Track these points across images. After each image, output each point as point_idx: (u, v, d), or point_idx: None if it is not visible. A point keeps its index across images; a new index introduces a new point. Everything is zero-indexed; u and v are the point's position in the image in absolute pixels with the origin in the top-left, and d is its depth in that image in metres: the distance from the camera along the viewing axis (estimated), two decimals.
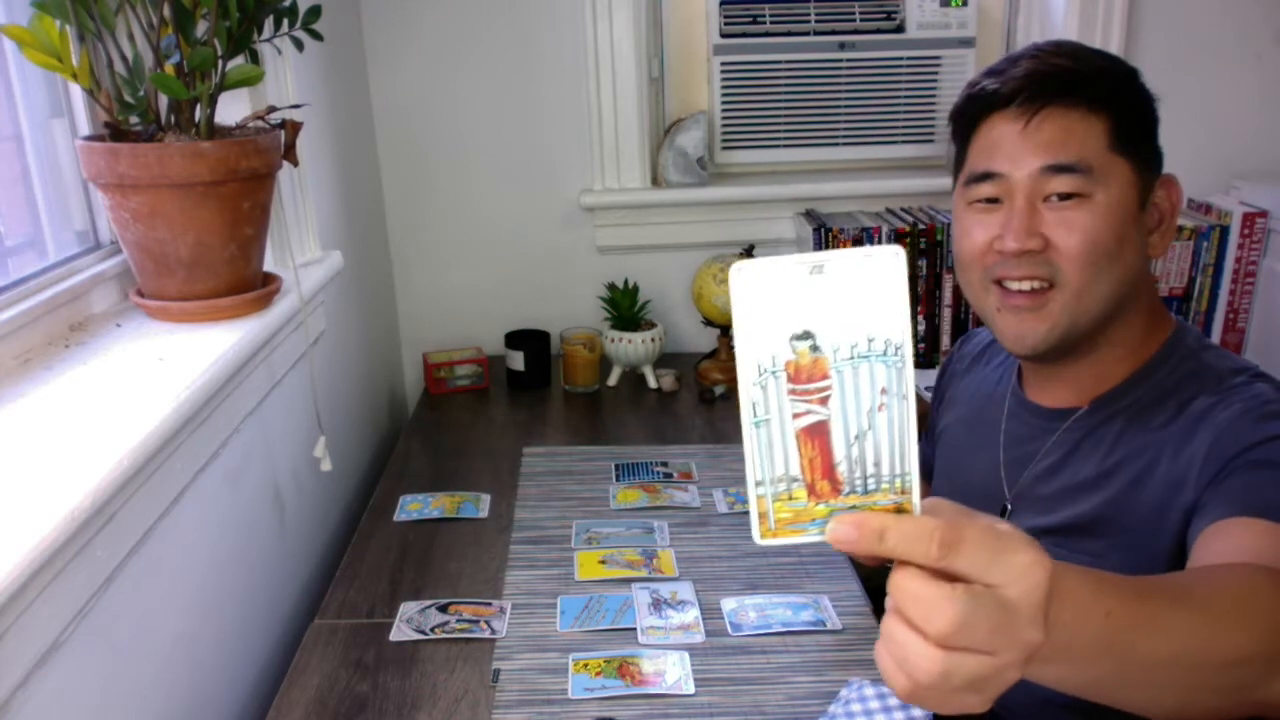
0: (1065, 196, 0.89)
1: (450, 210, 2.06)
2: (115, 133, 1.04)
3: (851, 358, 0.49)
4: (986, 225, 0.93)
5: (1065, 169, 0.89)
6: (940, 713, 0.50)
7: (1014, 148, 0.91)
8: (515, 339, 1.96)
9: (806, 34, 2.04)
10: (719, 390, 1.89)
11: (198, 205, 1.04)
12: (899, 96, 2.09)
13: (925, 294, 1.94)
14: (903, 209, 2.03)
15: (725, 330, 1.96)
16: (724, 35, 2.03)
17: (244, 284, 1.13)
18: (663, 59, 2.08)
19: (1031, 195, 0.90)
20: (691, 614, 1.21)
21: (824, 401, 0.49)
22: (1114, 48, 1.92)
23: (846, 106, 2.09)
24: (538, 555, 1.36)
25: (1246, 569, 0.67)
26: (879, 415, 0.49)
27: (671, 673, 1.11)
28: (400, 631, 1.19)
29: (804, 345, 0.49)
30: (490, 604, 1.25)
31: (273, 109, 1.17)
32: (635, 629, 1.18)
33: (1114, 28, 1.93)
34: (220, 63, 1.05)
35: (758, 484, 0.50)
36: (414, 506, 1.50)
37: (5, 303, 1.00)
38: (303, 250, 1.42)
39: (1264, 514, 0.76)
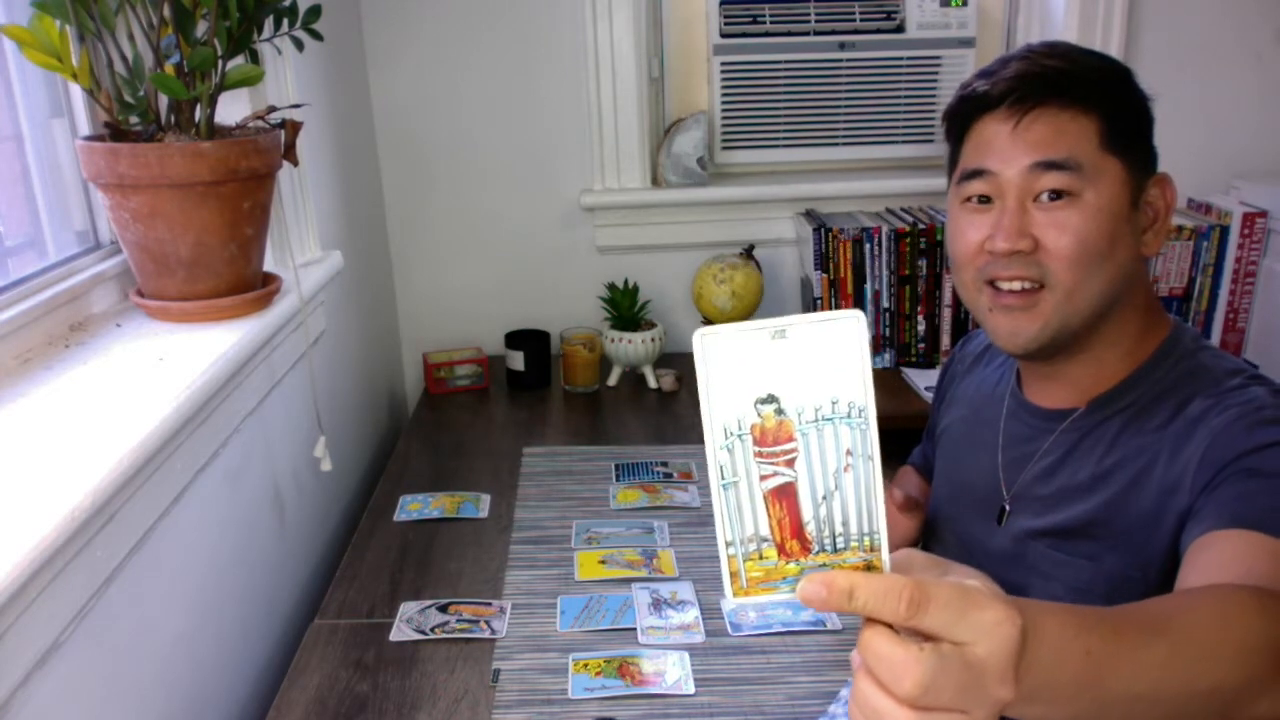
0: (1055, 195, 0.89)
1: (450, 210, 2.06)
2: (115, 133, 1.04)
3: (816, 420, 0.50)
4: (978, 225, 0.94)
5: (1055, 166, 0.89)
6: None
7: (1005, 147, 0.91)
8: (515, 339, 1.96)
9: (806, 34, 2.04)
10: None
11: (198, 205, 1.04)
12: (899, 96, 2.09)
13: (925, 294, 1.94)
14: (903, 209, 2.03)
15: None
16: (724, 35, 2.03)
17: (244, 284, 1.13)
18: (663, 59, 2.08)
19: (1022, 194, 0.91)
20: (691, 614, 1.21)
21: (790, 463, 0.50)
22: (1114, 47, 1.93)
23: (846, 106, 2.09)
24: (538, 555, 1.36)
25: (1228, 591, 0.67)
26: (845, 476, 0.50)
27: (671, 673, 1.11)
28: (400, 631, 1.19)
29: (769, 409, 0.50)
30: (490, 604, 1.25)
31: (273, 109, 1.17)
32: (635, 629, 1.18)
33: (1114, 28, 1.93)
34: (220, 63, 1.05)
35: (728, 544, 0.51)
36: (414, 506, 1.50)
37: (5, 303, 1.00)
38: (303, 250, 1.42)
39: (1254, 526, 0.76)
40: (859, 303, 1.94)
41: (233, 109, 1.19)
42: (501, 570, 1.32)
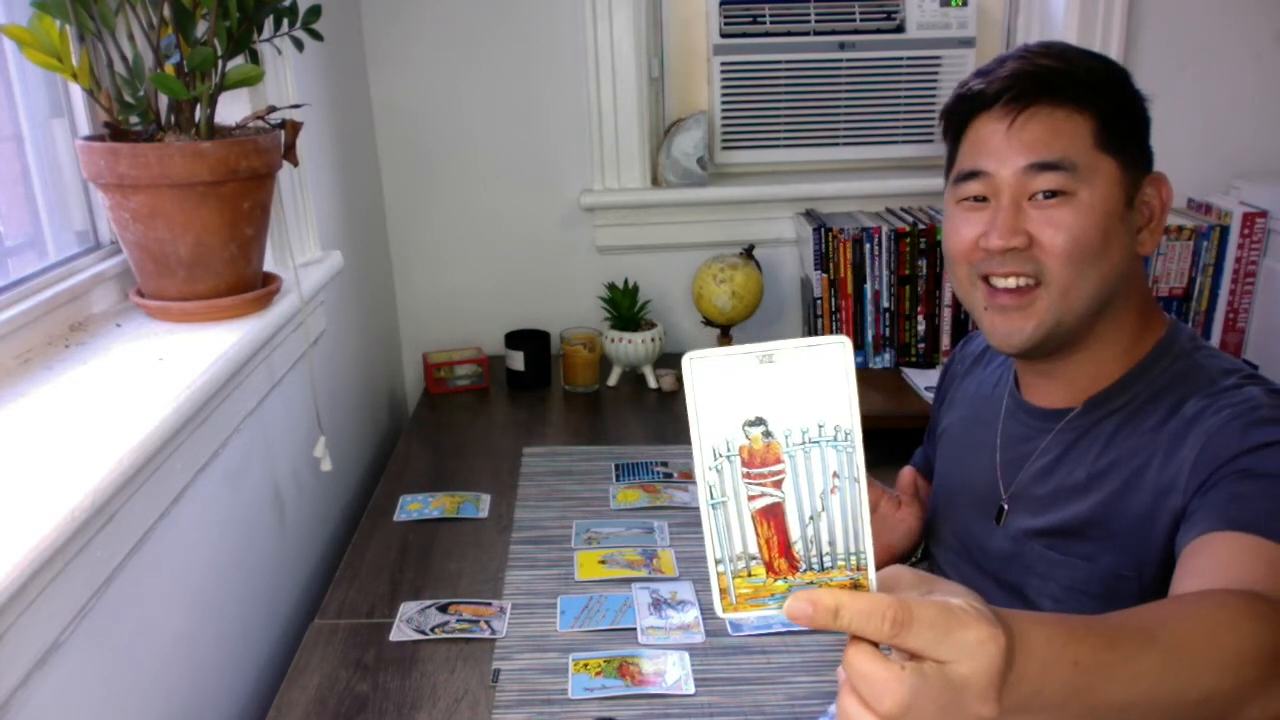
0: (1050, 195, 0.90)
1: (450, 210, 2.06)
2: (115, 133, 1.04)
3: (803, 443, 0.51)
4: (973, 223, 0.94)
5: (1049, 167, 0.89)
6: None
7: (1000, 147, 0.92)
8: (515, 339, 1.96)
9: (806, 34, 2.04)
10: None
11: (198, 205, 1.04)
12: (899, 96, 2.09)
13: (925, 294, 1.94)
14: (903, 209, 2.03)
15: (725, 330, 1.96)
16: (724, 35, 2.03)
17: (244, 284, 1.13)
18: (663, 59, 2.08)
19: (1016, 193, 0.91)
20: (691, 614, 1.21)
21: (778, 484, 0.51)
22: (1113, 48, 1.93)
23: (846, 106, 2.09)
24: (538, 555, 1.36)
25: (1220, 597, 0.67)
26: (832, 498, 0.51)
27: (671, 673, 1.11)
28: (400, 631, 1.19)
29: (756, 431, 0.51)
30: (490, 604, 1.25)
31: (273, 109, 1.17)
32: (635, 629, 1.18)
33: (1114, 28, 1.93)
34: (220, 63, 1.05)
35: (718, 561, 0.52)
36: (414, 506, 1.50)
37: (5, 303, 1.00)
38: (303, 250, 1.42)
39: (1248, 528, 0.76)
40: (859, 302, 1.94)
41: (233, 109, 1.19)
42: (501, 570, 1.32)
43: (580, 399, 1.91)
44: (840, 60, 2.06)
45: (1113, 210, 0.90)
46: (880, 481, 1.14)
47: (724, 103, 2.07)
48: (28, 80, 1.10)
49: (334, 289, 1.59)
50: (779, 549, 0.52)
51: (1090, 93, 0.91)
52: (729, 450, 0.51)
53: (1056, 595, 0.95)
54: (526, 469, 1.61)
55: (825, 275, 1.93)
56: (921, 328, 1.95)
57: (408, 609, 1.24)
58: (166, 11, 1.01)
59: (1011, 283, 0.92)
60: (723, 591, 0.53)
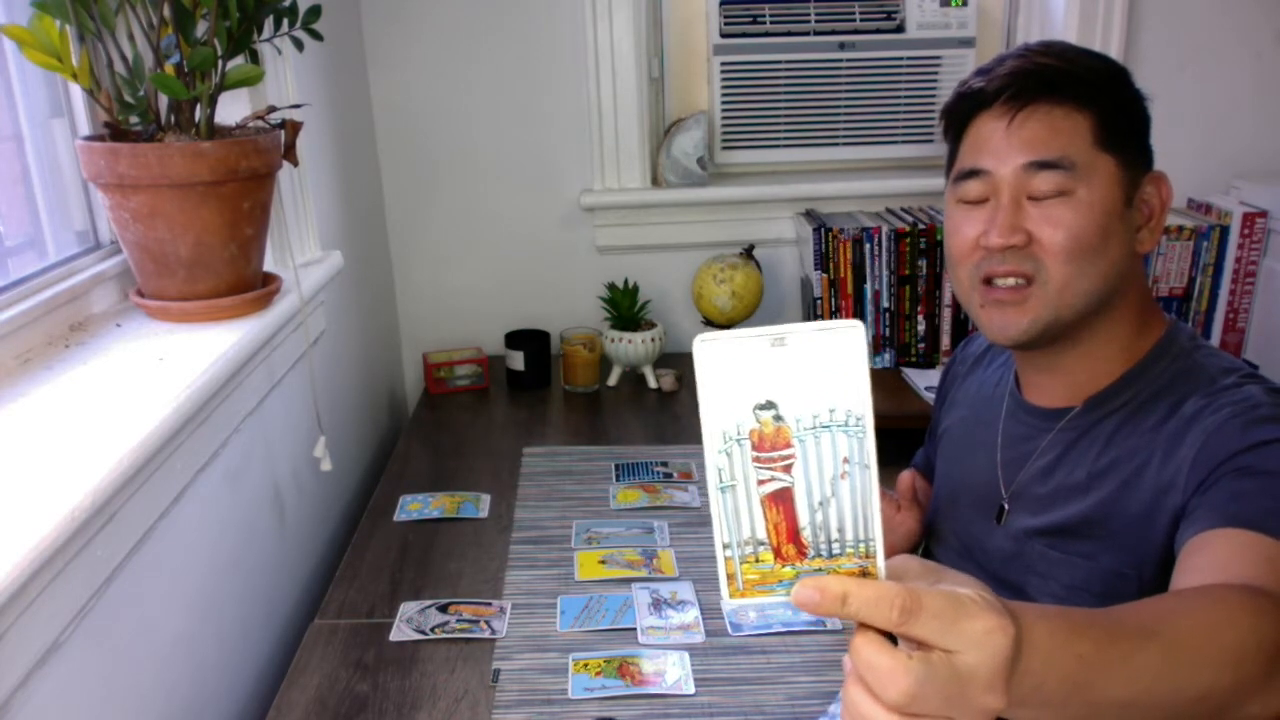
0: (1050, 194, 0.90)
1: (450, 210, 2.06)
2: (115, 133, 1.04)
3: (814, 427, 0.50)
4: (974, 222, 0.95)
5: (1048, 165, 0.90)
6: None
7: (999, 145, 0.92)
8: (515, 339, 1.96)
9: (806, 34, 2.04)
10: None
11: (198, 205, 1.04)
12: (899, 96, 2.09)
13: (925, 294, 1.94)
14: (903, 209, 2.03)
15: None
16: (724, 35, 2.03)
17: (244, 284, 1.13)
18: (663, 59, 2.08)
19: (1016, 192, 0.91)
20: (691, 614, 1.21)
21: (787, 469, 0.51)
22: (1114, 48, 1.93)
23: (846, 106, 2.09)
24: (538, 555, 1.36)
25: (1220, 593, 0.67)
26: (842, 483, 0.51)
27: (671, 673, 1.11)
28: (400, 631, 1.19)
29: (767, 415, 0.50)
30: (490, 604, 1.25)
31: (273, 109, 1.17)
32: (635, 629, 1.18)
33: (1114, 28, 1.93)
34: (220, 63, 1.05)
35: (725, 546, 0.52)
36: (414, 506, 1.50)
37: (5, 303, 1.00)
38: (303, 250, 1.42)
39: (1248, 524, 0.76)
40: (859, 302, 1.94)
41: (233, 109, 1.19)
42: (501, 570, 1.32)
43: (580, 399, 1.91)
44: (840, 60, 2.06)
45: (1112, 209, 0.91)
46: (880, 484, 1.14)
47: (724, 103, 2.07)
48: (28, 80, 1.10)
49: (334, 289, 1.59)
50: (787, 534, 0.51)
51: (1090, 91, 0.91)
52: (739, 434, 0.51)
53: (1057, 594, 0.95)
54: (526, 469, 1.61)
55: (825, 275, 1.93)
56: (921, 328, 1.95)
57: (408, 609, 1.24)
58: (166, 11, 1.01)
59: (1011, 281, 0.92)
60: (730, 577, 0.52)
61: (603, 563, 1.32)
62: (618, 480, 1.56)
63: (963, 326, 1.94)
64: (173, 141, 1.04)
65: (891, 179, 2.07)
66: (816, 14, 2.04)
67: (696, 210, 2.06)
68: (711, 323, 1.95)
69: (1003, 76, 0.92)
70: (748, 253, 1.95)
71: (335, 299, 1.62)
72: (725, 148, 2.11)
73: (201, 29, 1.03)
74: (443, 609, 1.24)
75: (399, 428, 2.03)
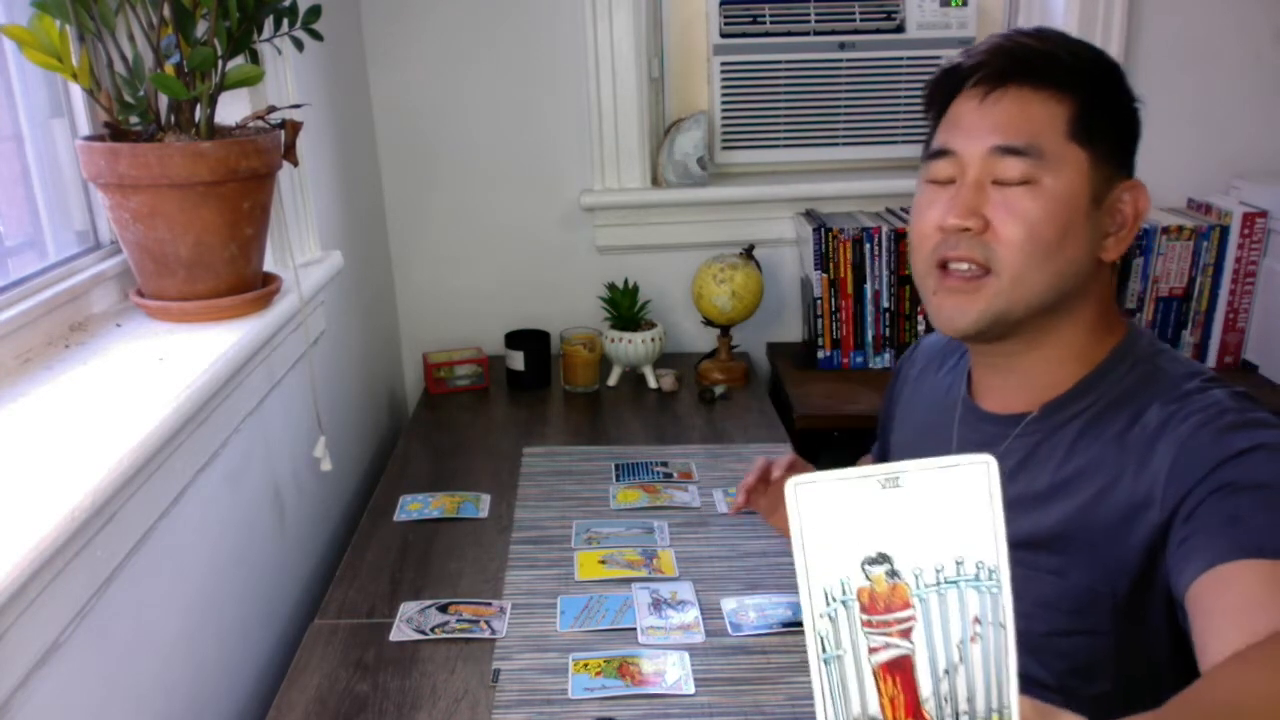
0: (1014, 181, 0.88)
1: (450, 210, 2.06)
2: (115, 133, 1.04)
3: (937, 584, 0.44)
4: (937, 205, 0.92)
5: (1015, 152, 0.87)
6: None
7: (970, 125, 0.90)
8: (515, 339, 1.96)
9: (806, 34, 2.04)
10: (719, 390, 1.89)
11: (198, 205, 1.04)
12: (899, 96, 2.09)
13: None
14: (903, 209, 2.03)
15: (725, 330, 1.96)
16: (724, 35, 2.03)
17: (244, 284, 1.13)
18: (663, 59, 2.08)
19: (981, 175, 0.89)
20: (691, 614, 1.21)
21: (906, 634, 0.44)
22: (1114, 48, 1.93)
23: (846, 106, 2.09)
24: (538, 555, 1.36)
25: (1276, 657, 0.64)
26: (972, 647, 0.44)
27: (671, 673, 1.11)
28: (400, 631, 1.19)
29: (879, 570, 0.44)
30: (490, 604, 1.25)
31: (273, 109, 1.17)
32: (635, 629, 1.18)
33: (1114, 27, 1.93)
34: (220, 63, 1.05)
35: None
36: (414, 506, 1.50)
37: (5, 303, 1.00)
38: (303, 250, 1.42)
39: (1260, 553, 0.73)
40: (859, 303, 1.94)
41: (233, 109, 1.19)
42: (501, 570, 1.32)
43: (580, 399, 1.91)
44: (840, 60, 2.06)
45: (1076, 205, 0.88)
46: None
47: (724, 103, 2.07)
48: (28, 80, 1.10)
49: (334, 289, 1.59)
50: (906, 709, 0.44)
51: (1072, 77, 0.88)
52: (845, 593, 0.44)
53: (1028, 612, 0.91)
54: (526, 469, 1.61)
55: (825, 275, 1.93)
56: (921, 328, 1.95)
57: (408, 609, 1.24)
58: (166, 11, 1.01)
59: (965, 268, 0.90)
60: None
61: (603, 563, 1.32)
62: (618, 480, 1.56)
63: None
64: (173, 141, 1.04)
65: (891, 179, 2.06)
66: (816, 14, 2.04)
67: (696, 210, 2.05)
68: (712, 323, 1.95)
69: (982, 53, 0.90)
70: (748, 253, 1.95)
71: (335, 299, 1.62)
72: (725, 148, 2.11)
73: (201, 29, 1.03)
74: (443, 609, 1.24)
75: (399, 428, 2.03)
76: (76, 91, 1.14)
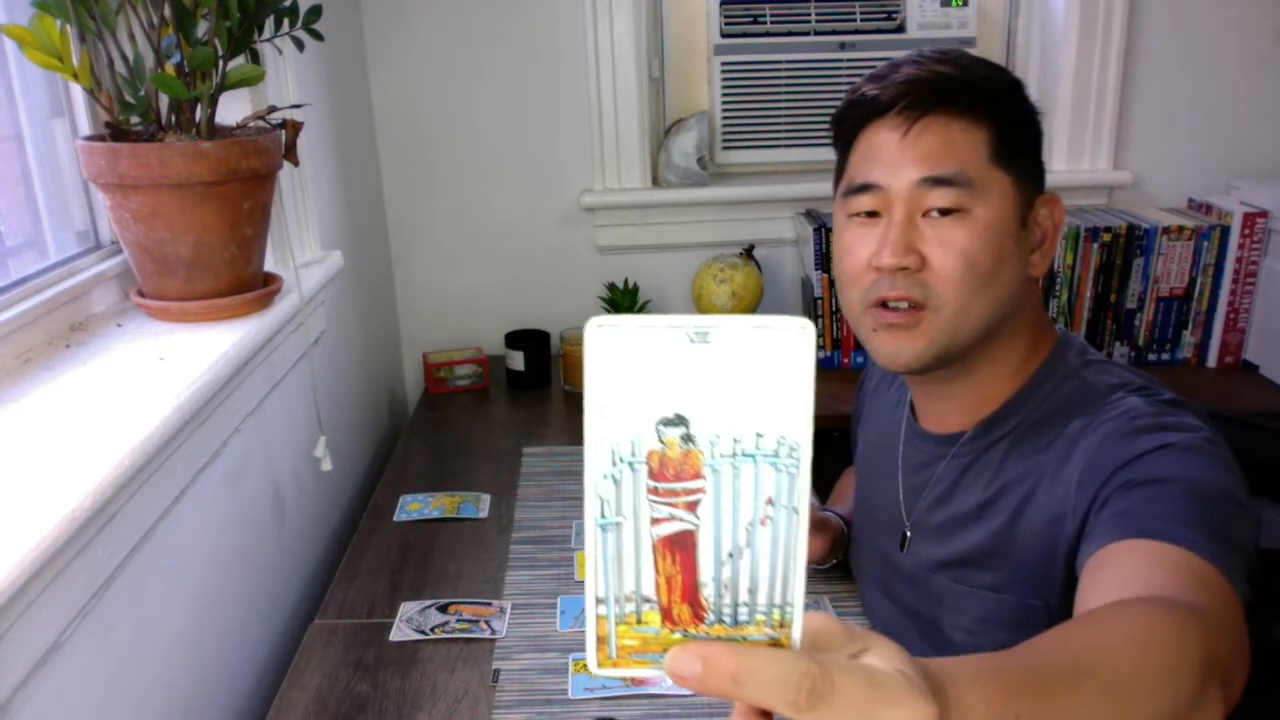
0: (944, 212, 0.86)
1: (450, 210, 2.06)
2: (115, 133, 1.04)
3: (733, 455, 0.39)
4: (866, 241, 0.90)
5: (943, 182, 0.86)
6: None
7: (893, 157, 0.88)
8: (515, 339, 1.96)
9: (807, 34, 2.04)
10: None
11: (198, 205, 1.04)
12: None
13: None
14: None
15: None
16: (724, 35, 2.03)
17: (244, 284, 1.13)
18: (663, 59, 2.08)
19: (910, 208, 0.87)
20: None
21: (693, 507, 0.39)
22: (1114, 48, 1.93)
23: None
24: (538, 555, 1.36)
25: (1137, 612, 0.64)
26: (761, 530, 0.39)
27: None
28: (400, 631, 1.19)
29: (674, 433, 0.39)
30: (490, 604, 1.25)
31: (273, 109, 1.17)
32: None
33: (1114, 28, 1.93)
34: (220, 63, 1.05)
35: (599, 601, 0.40)
36: (414, 506, 1.50)
37: (5, 303, 1.00)
38: (303, 250, 1.42)
39: (1144, 534, 0.73)
40: None
41: (233, 109, 1.19)
42: (501, 570, 1.32)
43: (580, 399, 1.90)
44: (840, 60, 2.06)
45: (1006, 230, 0.87)
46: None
47: (724, 103, 2.07)
48: (28, 80, 1.10)
49: (334, 289, 1.59)
50: (682, 592, 0.40)
51: (987, 103, 0.87)
52: (634, 454, 0.39)
53: (969, 628, 0.93)
54: (526, 469, 1.61)
55: (825, 275, 1.93)
56: None
57: (408, 609, 1.24)
58: (167, 11, 1.01)
59: (904, 305, 0.89)
60: (600, 641, 0.40)
61: None
62: None
63: None
64: (173, 141, 1.04)
65: None
66: (817, 14, 2.04)
67: (696, 210, 2.05)
68: None
69: (899, 84, 0.88)
70: (748, 253, 1.95)
71: (335, 299, 1.62)
72: (725, 148, 2.11)
73: (202, 29, 1.03)
74: (443, 609, 1.24)
75: (399, 428, 2.03)
76: (77, 91, 1.14)
